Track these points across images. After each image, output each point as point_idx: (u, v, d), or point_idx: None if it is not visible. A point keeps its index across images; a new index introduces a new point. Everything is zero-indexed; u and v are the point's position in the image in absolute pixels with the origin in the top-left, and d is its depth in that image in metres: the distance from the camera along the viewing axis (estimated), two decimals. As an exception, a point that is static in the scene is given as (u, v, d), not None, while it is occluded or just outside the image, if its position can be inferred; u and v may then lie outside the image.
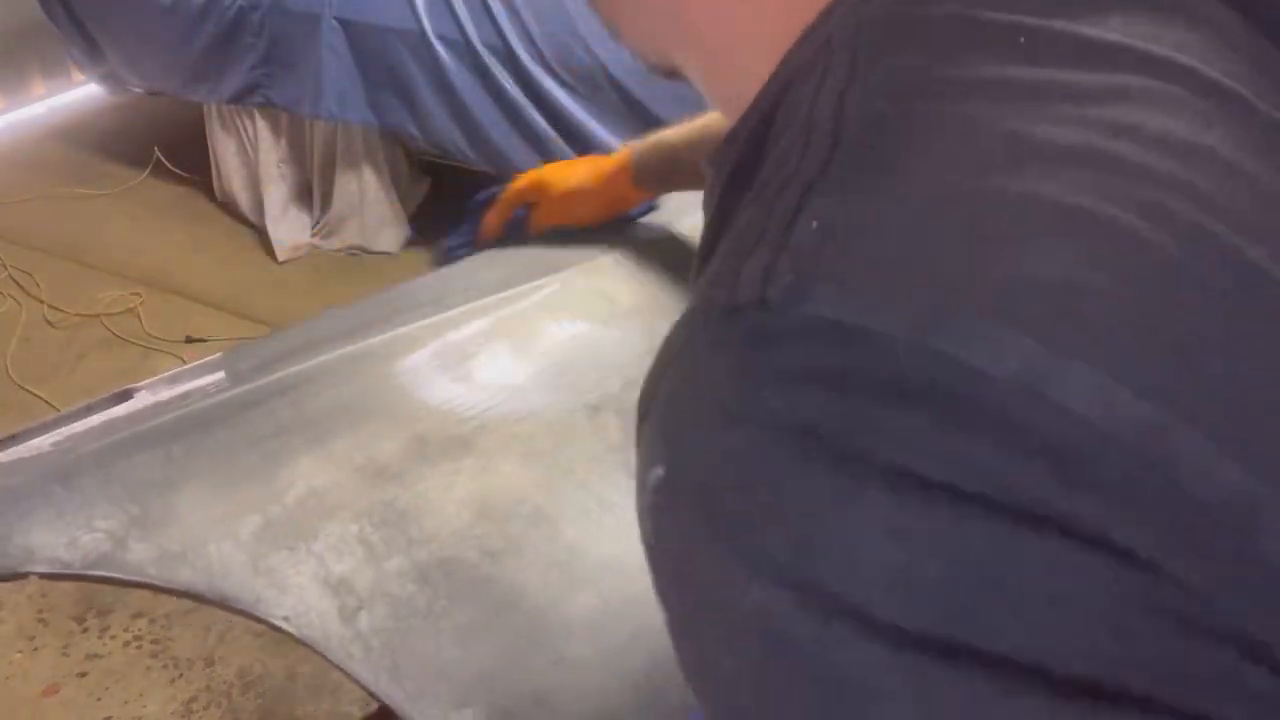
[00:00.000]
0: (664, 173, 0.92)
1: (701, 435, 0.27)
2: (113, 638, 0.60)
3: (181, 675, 0.58)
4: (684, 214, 1.02)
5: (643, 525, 0.29)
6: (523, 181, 1.01)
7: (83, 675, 0.58)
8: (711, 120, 0.84)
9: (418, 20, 2.29)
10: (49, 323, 2.50)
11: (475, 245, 1.01)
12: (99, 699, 0.57)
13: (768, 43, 0.35)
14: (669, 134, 0.90)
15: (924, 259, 0.25)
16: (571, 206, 0.98)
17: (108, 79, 2.92)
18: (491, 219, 1.01)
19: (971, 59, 0.30)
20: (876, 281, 0.25)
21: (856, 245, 0.26)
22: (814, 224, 0.27)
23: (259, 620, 0.59)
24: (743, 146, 0.35)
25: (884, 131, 0.29)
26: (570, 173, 1.00)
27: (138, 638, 0.60)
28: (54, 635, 0.60)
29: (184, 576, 0.61)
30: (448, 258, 1.00)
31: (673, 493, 0.27)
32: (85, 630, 0.61)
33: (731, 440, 0.26)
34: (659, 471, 0.28)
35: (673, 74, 0.44)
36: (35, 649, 0.59)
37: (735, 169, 0.35)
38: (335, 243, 2.75)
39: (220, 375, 0.78)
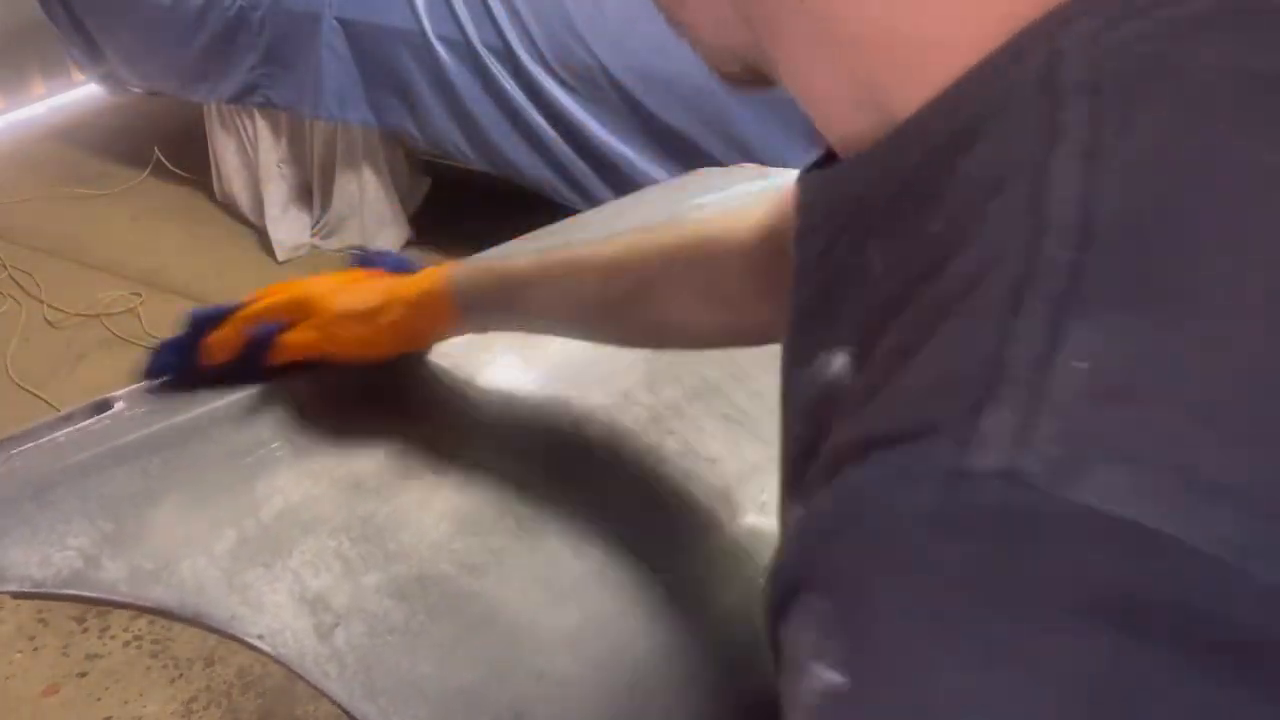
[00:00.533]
0: (500, 308, 0.72)
1: (924, 662, 0.20)
2: (113, 638, 0.60)
3: (181, 675, 0.58)
4: (683, 212, 1.02)
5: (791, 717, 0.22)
6: (280, 294, 0.76)
7: (83, 675, 0.58)
8: (569, 255, 0.70)
9: (418, 20, 2.29)
10: (49, 323, 2.50)
11: (197, 370, 0.76)
12: (99, 699, 0.57)
13: (933, 49, 0.27)
14: (502, 262, 0.73)
15: (1253, 440, 0.18)
16: (355, 333, 0.73)
17: (108, 79, 2.92)
18: (227, 336, 0.75)
19: (1265, 134, 0.22)
20: (1188, 467, 0.18)
21: (1152, 408, 0.19)
22: (1082, 366, 0.20)
23: (233, 639, 0.59)
24: (889, 185, 0.28)
25: (1159, 234, 0.21)
26: (357, 291, 0.74)
27: (138, 638, 0.60)
28: (54, 635, 0.60)
29: (155, 594, 0.60)
30: (150, 375, 0.77)
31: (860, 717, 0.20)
32: (85, 630, 0.61)
33: (972, 682, 0.19)
34: (836, 679, 0.21)
35: (749, 81, 0.36)
36: (35, 649, 0.60)
37: (869, 208, 0.28)
38: (335, 243, 2.75)
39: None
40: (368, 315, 0.73)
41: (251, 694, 0.57)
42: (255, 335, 0.74)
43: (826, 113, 0.32)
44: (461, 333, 0.75)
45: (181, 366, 0.76)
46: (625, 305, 0.68)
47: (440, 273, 0.73)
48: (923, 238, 0.25)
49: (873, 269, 0.28)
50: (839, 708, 0.21)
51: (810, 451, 0.27)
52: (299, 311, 0.74)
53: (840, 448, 0.24)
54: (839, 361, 0.28)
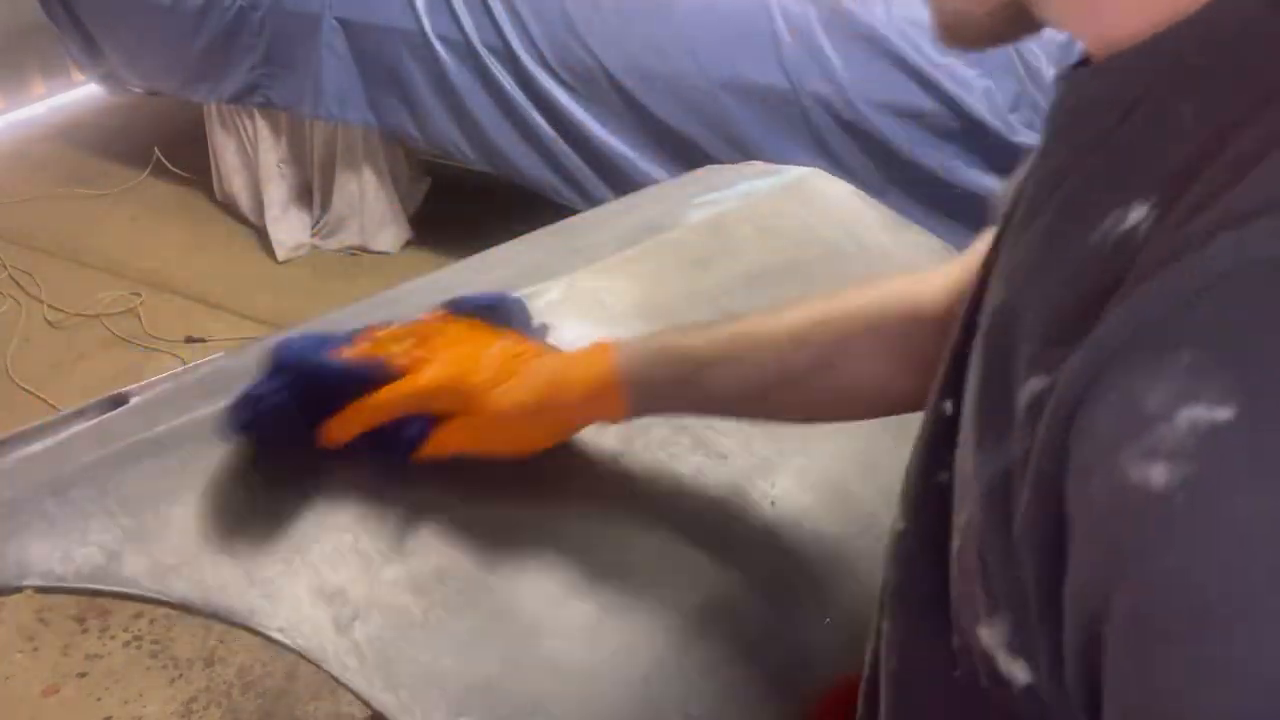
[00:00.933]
0: (673, 393, 0.67)
1: None
2: (112, 638, 0.60)
3: (181, 675, 0.58)
4: (687, 211, 1.02)
5: (1151, 468, 0.24)
6: (430, 380, 0.65)
7: (83, 675, 0.58)
8: (747, 328, 0.66)
9: (418, 20, 2.29)
10: (49, 323, 2.50)
11: (302, 440, 0.66)
12: (99, 699, 0.57)
13: None
14: (676, 341, 0.67)
15: None
16: (513, 435, 0.67)
17: (108, 79, 2.92)
18: (363, 416, 0.65)
19: None
20: None
21: None
22: None
23: (254, 632, 0.59)
24: (1206, 50, 0.32)
25: None
26: (519, 384, 0.65)
27: (138, 638, 0.60)
28: (54, 635, 0.60)
29: (178, 589, 0.61)
30: (235, 430, 0.66)
31: (1259, 444, 0.23)
32: (85, 630, 0.61)
33: None
34: (1222, 413, 0.23)
35: (1002, 25, 0.40)
36: (35, 649, 0.59)
37: (1178, 73, 0.33)
38: (335, 243, 2.75)
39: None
40: (531, 415, 0.66)
41: (251, 694, 0.57)
42: (399, 435, 0.65)
43: (1111, 7, 0.36)
44: (617, 421, 0.68)
45: (279, 433, 0.66)
46: (812, 375, 0.64)
47: (608, 358, 0.66)
48: (1249, 80, 0.30)
49: (1182, 123, 0.32)
50: (1230, 436, 0.23)
51: (1107, 291, 0.31)
52: (452, 404, 0.65)
53: (1191, 233, 0.27)
54: (1135, 213, 0.32)
